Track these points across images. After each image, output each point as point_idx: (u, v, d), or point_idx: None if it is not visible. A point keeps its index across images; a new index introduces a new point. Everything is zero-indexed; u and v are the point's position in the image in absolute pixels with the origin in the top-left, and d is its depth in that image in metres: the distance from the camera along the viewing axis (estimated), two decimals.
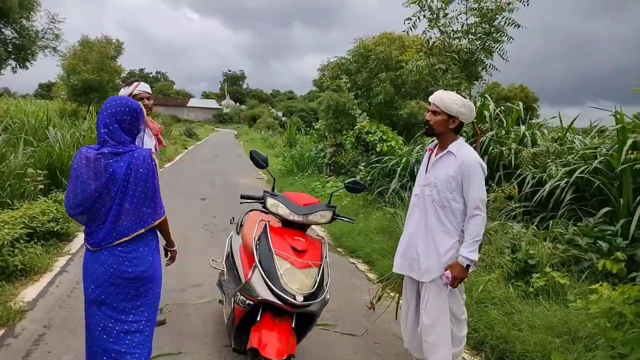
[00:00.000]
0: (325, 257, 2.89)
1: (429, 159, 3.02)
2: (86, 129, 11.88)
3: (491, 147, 7.48)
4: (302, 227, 3.05)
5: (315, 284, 2.67)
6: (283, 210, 2.99)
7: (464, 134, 8.22)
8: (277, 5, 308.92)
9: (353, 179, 3.88)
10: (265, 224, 2.95)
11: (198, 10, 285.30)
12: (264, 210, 3.19)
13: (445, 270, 2.78)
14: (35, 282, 4.56)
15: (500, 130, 7.99)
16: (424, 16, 6.10)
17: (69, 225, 6.10)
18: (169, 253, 2.72)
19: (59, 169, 8.16)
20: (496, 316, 3.89)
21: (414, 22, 6.13)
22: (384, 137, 10.41)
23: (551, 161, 6.60)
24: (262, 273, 2.64)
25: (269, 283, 2.60)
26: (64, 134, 10.08)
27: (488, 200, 6.46)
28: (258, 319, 2.69)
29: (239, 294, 2.76)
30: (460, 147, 2.86)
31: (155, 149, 3.65)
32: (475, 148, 7.12)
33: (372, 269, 5.76)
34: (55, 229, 5.66)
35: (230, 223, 3.86)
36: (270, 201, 3.05)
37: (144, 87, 3.60)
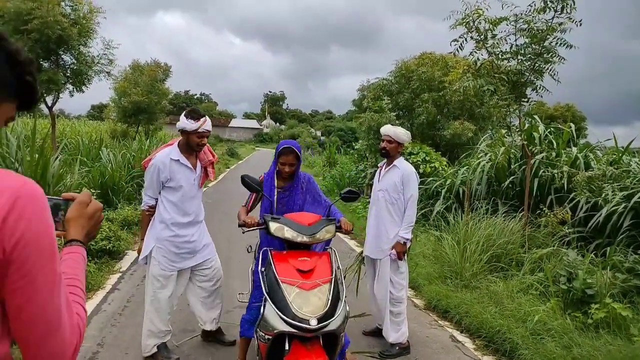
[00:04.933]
0: (338, 268, 2.79)
1: (380, 172, 4.13)
2: (136, 149, 12.31)
3: (541, 170, 7.22)
4: (306, 246, 2.96)
5: (327, 302, 2.56)
6: (290, 233, 2.88)
7: (514, 155, 8.01)
8: (315, 29, 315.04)
9: (348, 188, 3.86)
10: (268, 252, 2.86)
11: (239, 34, 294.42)
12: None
13: (392, 249, 3.87)
14: (88, 299, 4.71)
15: (550, 152, 7.72)
16: (471, 37, 6.05)
17: (119, 243, 6.29)
18: None
19: (111, 188, 8.50)
20: (554, 349, 3.70)
21: (461, 44, 6.07)
22: (427, 158, 10.28)
23: (608, 185, 6.30)
24: (272, 305, 2.57)
25: (280, 314, 2.51)
26: (115, 154, 10.50)
27: (539, 225, 6.25)
28: (287, 347, 2.57)
29: (259, 330, 2.69)
30: (401, 162, 3.98)
31: (197, 182, 3.61)
32: (524, 170, 6.95)
33: (418, 295, 5.62)
34: (107, 247, 5.85)
35: (248, 252, 3.62)
36: (273, 225, 2.93)
37: (209, 126, 3.45)
